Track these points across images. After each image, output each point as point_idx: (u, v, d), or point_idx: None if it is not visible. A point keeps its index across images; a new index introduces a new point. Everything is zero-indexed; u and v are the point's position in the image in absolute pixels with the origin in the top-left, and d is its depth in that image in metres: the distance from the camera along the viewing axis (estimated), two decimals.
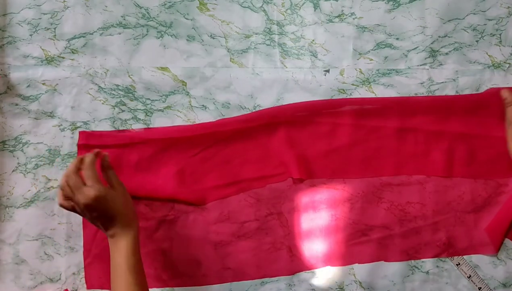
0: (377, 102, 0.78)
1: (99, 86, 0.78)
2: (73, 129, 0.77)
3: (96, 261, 0.76)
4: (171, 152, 0.77)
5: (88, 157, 0.68)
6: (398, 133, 0.78)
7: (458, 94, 0.79)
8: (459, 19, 0.79)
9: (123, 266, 0.65)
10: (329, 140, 0.77)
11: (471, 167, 0.78)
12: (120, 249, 0.66)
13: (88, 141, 0.76)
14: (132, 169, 0.76)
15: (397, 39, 0.79)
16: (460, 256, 0.77)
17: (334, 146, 0.77)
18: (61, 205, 0.67)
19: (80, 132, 0.76)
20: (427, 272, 0.78)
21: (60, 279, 0.77)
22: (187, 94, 0.78)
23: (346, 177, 0.78)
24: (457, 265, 0.77)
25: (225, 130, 0.77)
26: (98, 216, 0.66)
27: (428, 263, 0.78)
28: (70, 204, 0.66)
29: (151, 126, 0.78)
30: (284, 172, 0.77)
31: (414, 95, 0.78)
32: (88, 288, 0.76)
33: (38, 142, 0.77)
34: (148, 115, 0.78)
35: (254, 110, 0.78)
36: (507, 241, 0.77)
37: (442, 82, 0.79)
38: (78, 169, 0.67)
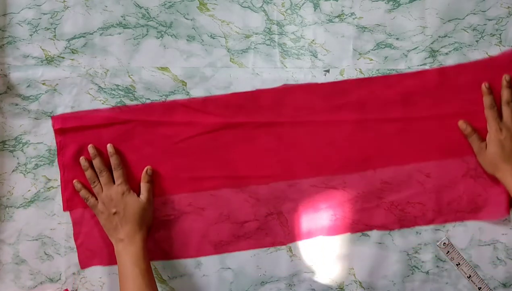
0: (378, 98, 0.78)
1: (99, 86, 0.77)
2: None
3: (87, 240, 0.76)
4: (153, 133, 0.77)
5: (114, 159, 0.74)
6: (399, 123, 0.77)
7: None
8: (459, 19, 0.79)
9: (135, 270, 0.67)
10: (328, 138, 0.77)
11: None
12: (131, 253, 0.69)
13: (64, 125, 0.76)
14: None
15: (397, 39, 0.79)
16: (460, 256, 0.77)
17: (334, 144, 0.77)
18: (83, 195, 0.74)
19: (53, 117, 0.76)
20: (427, 272, 0.78)
21: (60, 279, 0.77)
22: (187, 94, 0.78)
23: (346, 173, 0.77)
24: (457, 265, 0.77)
25: (217, 122, 0.77)
26: (117, 212, 0.71)
27: (428, 263, 0.78)
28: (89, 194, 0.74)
29: None
30: (281, 173, 0.77)
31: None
32: (82, 268, 0.76)
33: (38, 143, 0.77)
34: None
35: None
36: (507, 241, 0.77)
37: None
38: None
